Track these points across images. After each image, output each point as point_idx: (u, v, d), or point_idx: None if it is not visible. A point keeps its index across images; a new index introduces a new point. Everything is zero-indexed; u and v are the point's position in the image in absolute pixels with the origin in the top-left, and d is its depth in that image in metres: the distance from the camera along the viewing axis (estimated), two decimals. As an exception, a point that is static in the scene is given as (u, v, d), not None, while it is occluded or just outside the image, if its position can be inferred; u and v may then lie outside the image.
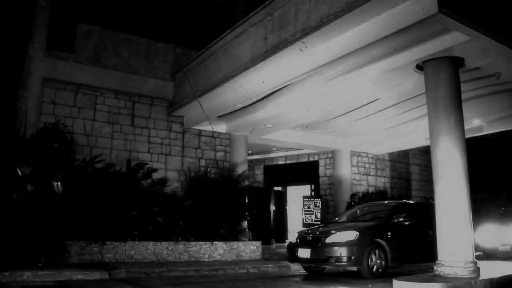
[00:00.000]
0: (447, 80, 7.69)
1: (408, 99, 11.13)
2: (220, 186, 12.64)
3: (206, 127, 13.80)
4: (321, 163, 18.69)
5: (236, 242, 11.86)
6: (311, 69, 9.01)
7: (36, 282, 7.35)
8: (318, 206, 16.86)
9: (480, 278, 6.88)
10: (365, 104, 11.71)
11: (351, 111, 12.34)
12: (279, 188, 19.90)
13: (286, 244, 14.21)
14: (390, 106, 11.88)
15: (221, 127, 14.11)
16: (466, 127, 8.00)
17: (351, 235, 8.34)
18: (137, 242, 10.35)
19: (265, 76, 9.65)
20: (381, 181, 18.98)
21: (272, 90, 10.59)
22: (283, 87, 10.42)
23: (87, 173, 10.36)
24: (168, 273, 8.82)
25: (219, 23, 17.05)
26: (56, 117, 11.37)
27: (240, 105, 11.81)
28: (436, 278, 6.99)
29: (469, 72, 8.71)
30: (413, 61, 8.12)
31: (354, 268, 8.69)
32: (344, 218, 10.27)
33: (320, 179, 18.65)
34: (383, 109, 12.16)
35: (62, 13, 12.15)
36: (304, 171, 19.24)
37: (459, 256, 7.07)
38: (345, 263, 8.24)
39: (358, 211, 10.68)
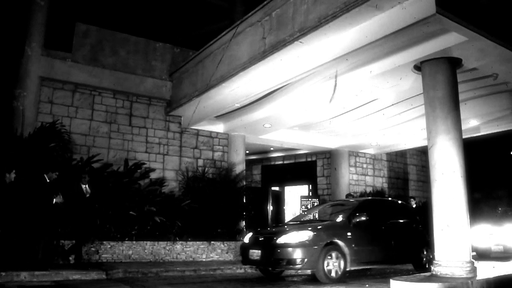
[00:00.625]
0: (444, 80, 7.70)
1: (406, 99, 11.13)
2: (218, 186, 12.64)
3: (204, 127, 13.81)
4: (319, 163, 18.70)
5: (233, 242, 11.86)
6: (308, 69, 9.02)
7: (33, 282, 7.34)
8: (316, 206, 16.86)
9: (477, 278, 6.89)
10: (363, 105, 11.71)
11: (349, 111, 12.34)
12: (277, 188, 19.89)
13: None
14: (388, 107, 11.89)
15: (218, 127, 14.11)
16: (463, 128, 8.00)
17: (303, 235, 7.67)
18: (134, 242, 10.35)
19: (263, 76, 9.65)
20: (379, 181, 19.00)
21: (270, 90, 10.59)
22: (281, 87, 10.42)
23: (85, 173, 10.34)
24: (165, 273, 8.81)
25: (217, 23, 17.08)
26: (54, 117, 11.36)
27: (238, 105, 11.80)
28: (433, 278, 7.00)
29: (466, 73, 8.73)
30: (411, 61, 8.13)
31: (309, 271, 8.28)
32: (306, 217, 9.72)
33: (318, 179, 18.67)
34: (381, 110, 12.17)
35: (60, 12, 12.13)
36: (302, 171, 19.24)
37: (456, 256, 7.08)
38: (298, 265, 7.55)
39: (324, 209, 10.07)
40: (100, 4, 14.81)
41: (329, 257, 7.70)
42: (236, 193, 12.92)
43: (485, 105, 11.50)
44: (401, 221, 9.58)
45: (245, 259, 8.41)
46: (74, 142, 11.51)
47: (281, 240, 7.75)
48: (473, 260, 7.21)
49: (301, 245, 7.56)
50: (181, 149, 13.50)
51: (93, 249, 9.77)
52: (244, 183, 13.81)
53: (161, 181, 12.37)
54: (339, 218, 8.61)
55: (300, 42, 7.88)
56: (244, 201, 13.21)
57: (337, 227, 8.24)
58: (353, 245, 8.03)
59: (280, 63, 8.91)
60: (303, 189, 19.27)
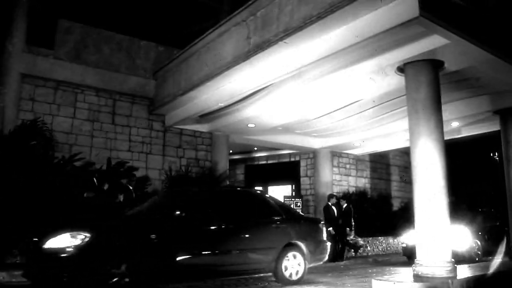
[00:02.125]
0: (427, 82, 7.78)
1: (389, 100, 11.23)
2: (201, 186, 12.58)
3: (187, 126, 13.75)
4: (302, 163, 18.75)
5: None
6: (293, 70, 9.02)
7: (12, 282, 7.22)
8: (299, 206, 16.91)
9: (457, 277, 7.00)
10: (347, 105, 11.77)
11: (332, 112, 12.39)
12: (260, 188, 19.90)
13: None
14: (371, 108, 11.96)
15: (202, 126, 14.05)
16: (445, 129, 8.09)
17: (77, 238, 5.44)
18: (116, 241, 10.24)
19: (247, 76, 9.64)
20: (362, 182, 19.13)
21: (254, 90, 10.58)
22: (265, 87, 10.42)
23: (66, 171, 10.21)
24: (147, 273, 8.70)
25: (203, 22, 16.96)
26: (35, 114, 11.18)
27: (221, 105, 11.77)
28: (414, 277, 7.09)
29: (449, 75, 8.83)
30: (395, 63, 8.19)
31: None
32: (137, 211, 7.34)
33: (301, 179, 18.72)
34: (364, 111, 12.24)
35: (42, 8, 11.95)
36: (285, 171, 19.29)
37: (437, 256, 7.16)
38: (71, 281, 5.37)
39: (163, 201, 7.55)
40: (84, 0, 14.62)
41: (123, 267, 5.57)
42: (220, 192, 12.87)
43: (467, 107, 11.65)
44: (254, 219, 7.39)
45: None
46: (56, 140, 11.32)
47: (50, 244, 5.56)
48: (453, 260, 7.31)
49: (76, 251, 5.40)
50: (165, 148, 13.42)
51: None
52: (228, 182, 13.79)
53: (144, 180, 12.27)
54: (142, 215, 6.68)
55: (285, 42, 7.89)
56: (228, 200, 13.13)
57: (138, 227, 6.12)
58: (162, 253, 5.97)
59: (265, 63, 8.92)
60: (287, 189, 19.32)
